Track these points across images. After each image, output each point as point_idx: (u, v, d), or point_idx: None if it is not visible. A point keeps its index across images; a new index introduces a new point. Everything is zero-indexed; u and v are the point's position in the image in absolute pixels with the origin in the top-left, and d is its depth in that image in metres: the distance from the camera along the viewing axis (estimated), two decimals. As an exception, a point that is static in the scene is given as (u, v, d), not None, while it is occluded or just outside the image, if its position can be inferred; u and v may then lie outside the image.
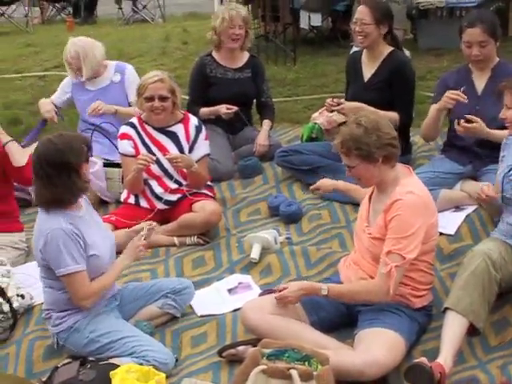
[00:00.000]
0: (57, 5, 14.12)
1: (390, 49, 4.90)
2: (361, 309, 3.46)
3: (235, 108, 5.43)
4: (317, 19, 8.34)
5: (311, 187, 4.27)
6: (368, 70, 4.95)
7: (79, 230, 3.43)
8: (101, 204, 5.22)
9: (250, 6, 9.12)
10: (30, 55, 9.33)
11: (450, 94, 4.28)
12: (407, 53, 7.67)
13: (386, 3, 5.27)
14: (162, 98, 4.59)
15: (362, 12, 4.83)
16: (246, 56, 5.69)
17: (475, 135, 4.29)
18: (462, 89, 4.28)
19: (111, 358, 3.40)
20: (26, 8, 12.68)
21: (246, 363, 3.05)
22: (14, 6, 13.03)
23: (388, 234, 3.30)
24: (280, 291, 3.45)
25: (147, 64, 8.51)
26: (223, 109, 5.43)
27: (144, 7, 13.38)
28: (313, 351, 3.04)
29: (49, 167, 3.38)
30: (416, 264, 3.37)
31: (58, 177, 3.39)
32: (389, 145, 3.33)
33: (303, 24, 8.47)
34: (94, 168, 5.16)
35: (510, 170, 3.66)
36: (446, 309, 3.32)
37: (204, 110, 5.51)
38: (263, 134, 5.56)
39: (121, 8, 13.19)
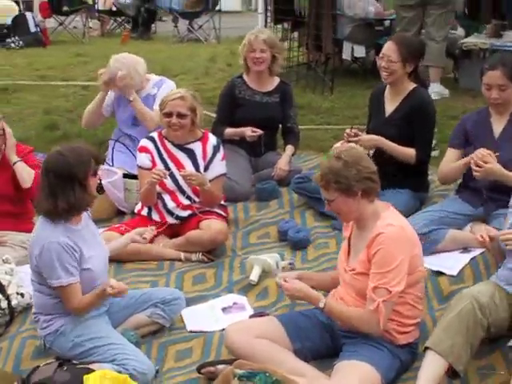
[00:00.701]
0: (118, 18, 14.47)
1: (413, 85, 4.87)
2: (345, 341, 3.44)
3: (260, 131, 5.49)
4: (360, 51, 8.35)
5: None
6: (390, 105, 4.94)
7: (76, 244, 3.50)
8: (117, 214, 5.32)
9: (296, 33, 9.24)
10: (79, 65, 9.57)
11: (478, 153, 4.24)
12: (445, 91, 7.74)
13: (416, 40, 5.24)
14: (181, 115, 4.67)
15: (389, 48, 4.79)
16: (276, 81, 5.76)
17: (491, 176, 4.23)
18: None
19: (93, 362, 3.45)
20: (84, 19, 13.00)
21: (217, 381, 3.08)
22: (75, 17, 13.37)
23: (372, 269, 3.29)
24: (285, 280, 3.47)
25: (188, 82, 8.63)
26: (248, 131, 5.50)
27: (200, 27, 13.61)
28: (284, 377, 3.05)
29: (55, 179, 3.45)
30: (402, 297, 3.34)
31: (62, 190, 3.45)
32: (368, 179, 3.33)
33: (345, 55, 8.49)
34: (114, 178, 5.28)
35: None
36: (426, 348, 3.28)
37: (229, 131, 5.58)
38: (284, 159, 5.60)
39: (176, 26, 13.44)
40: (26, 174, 4.57)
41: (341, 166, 3.30)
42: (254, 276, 4.28)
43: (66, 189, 3.44)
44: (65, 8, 12.81)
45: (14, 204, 4.66)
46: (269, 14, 8.92)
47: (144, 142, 4.87)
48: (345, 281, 3.49)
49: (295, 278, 3.59)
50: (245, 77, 5.73)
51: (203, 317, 4.00)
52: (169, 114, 4.69)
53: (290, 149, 5.70)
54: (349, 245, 3.54)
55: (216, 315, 4.02)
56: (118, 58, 5.65)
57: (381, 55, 4.90)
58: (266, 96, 5.68)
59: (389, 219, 3.34)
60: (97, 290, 3.52)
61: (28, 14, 12.20)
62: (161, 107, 4.77)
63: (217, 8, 13.63)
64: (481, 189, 4.43)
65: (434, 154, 5.77)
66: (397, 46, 4.77)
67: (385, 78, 4.85)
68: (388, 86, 4.95)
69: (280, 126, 5.81)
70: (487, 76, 4.34)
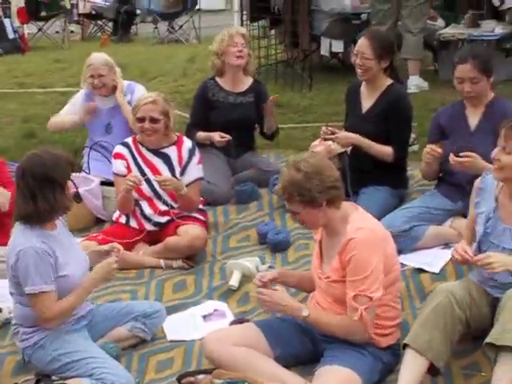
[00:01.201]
0: (99, 22, 14.37)
1: (390, 81, 4.83)
2: (326, 346, 3.40)
3: (228, 137, 5.41)
4: (338, 46, 8.27)
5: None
6: (366, 102, 4.89)
7: (52, 249, 3.43)
8: (96, 222, 5.27)
9: (274, 31, 9.18)
10: (57, 71, 9.50)
11: (428, 149, 4.27)
12: (424, 84, 7.70)
13: (389, 34, 5.19)
14: (153, 120, 4.62)
15: (362, 45, 4.73)
16: (249, 81, 5.69)
17: (471, 170, 4.19)
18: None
19: (72, 377, 3.40)
20: (62, 24, 12.90)
21: (196, 392, 3.04)
22: (54, 22, 13.24)
23: (348, 276, 3.23)
24: (263, 283, 3.41)
25: (167, 85, 8.60)
26: (216, 136, 5.42)
27: (180, 27, 13.53)
28: (263, 385, 3.01)
29: (33, 181, 3.39)
30: (380, 298, 3.26)
31: (42, 192, 3.39)
32: (332, 188, 3.24)
33: (323, 51, 8.42)
34: (91, 186, 5.23)
35: (487, 222, 3.49)
36: (405, 346, 3.24)
37: (200, 135, 5.49)
38: None
39: (156, 27, 13.36)
40: (2, 198, 4.49)
41: (301, 178, 3.21)
42: (234, 281, 4.23)
43: (46, 191, 3.39)
44: (43, 13, 12.71)
45: None
46: (245, 12, 8.85)
47: (118, 149, 4.82)
48: (320, 287, 3.44)
49: (275, 277, 3.54)
50: (217, 78, 5.65)
51: (184, 325, 3.95)
52: (141, 119, 4.64)
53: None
54: (320, 249, 3.48)
55: (196, 323, 3.97)
56: (100, 55, 5.66)
57: (355, 52, 4.86)
58: (239, 96, 5.61)
59: (357, 222, 3.28)
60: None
61: (6, 21, 12.09)
62: (134, 112, 4.71)
63: (196, 7, 13.56)
64: (460, 183, 4.40)
65: (413, 148, 5.77)
66: (370, 41, 4.71)
67: (360, 75, 4.81)
68: (364, 82, 4.91)
69: (257, 125, 5.74)
70: (458, 70, 4.30)
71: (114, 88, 5.61)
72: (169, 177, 4.63)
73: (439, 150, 4.27)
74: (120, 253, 3.70)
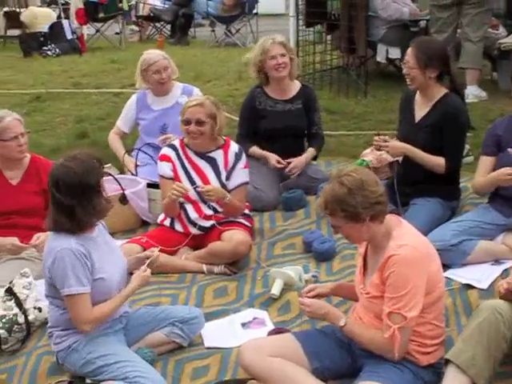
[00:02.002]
0: (157, 24, 14.45)
1: (444, 91, 4.66)
2: (365, 361, 3.29)
3: (284, 163, 5.36)
4: (395, 52, 8.12)
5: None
6: (420, 111, 4.75)
7: (88, 252, 3.40)
8: (142, 224, 5.24)
9: (331, 36, 9.07)
10: (112, 72, 9.56)
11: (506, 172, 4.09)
12: (483, 93, 7.50)
13: (438, 44, 4.99)
14: (199, 123, 4.56)
15: (408, 54, 4.61)
16: (297, 86, 5.58)
17: None
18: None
19: (105, 380, 3.37)
20: (120, 25, 13.01)
21: (228, 403, 2.96)
22: (111, 24, 13.37)
23: (386, 293, 3.13)
24: (307, 293, 3.41)
25: (221, 88, 8.56)
26: (273, 160, 5.37)
27: (237, 31, 13.51)
28: (296, 399, 2.91)
29: (68, 193, 3.33)
30: (423, 317, 3.17)
31: (79, 203, 3.34)
32: (376, 203, 3.12)
33: (380, 57, 8.29)
34: (137, 188, 5.21)
35: None
36: (447, 361, 3.11)
37: (255, 151, 5.44)
38: (302, 158, 5.45)
39: (213, 31, 13.36)
40: None
41: (345, 194, 3.10)
42: (276, 290, 4.15)
43: (83, 200, 3.35)
44: (101, 15, 12.83)
45: (42, 218, 4.59)
46: (301, 16, 8.76)
47: (165, 151, 4.78)
48: (362, 302, 3.34)
49: (324, 293, 3.51)
50: (264, 86, 5.54)
51: (222, 332, 3.88)
52: (187, 122, 4.59)
53: (309, 151, 5.54)
54: (364, 262, 3.37)
55: (235, 331, 3.90)
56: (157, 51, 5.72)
57: (404, 61, 4.74)
58: (288, 104, 5.51)
59: (400, 238, 3.16)
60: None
61: (64, 22, 12.24)
62: (181, 114, 4.67)
63: (254, 11, 13.52)
64: (514, 198, 4.25)
65: (468, 160, 5.62)
66: (414, 51, 4.58)
67: (408, 84, 4.69)
68: (417, 90, 4.78)
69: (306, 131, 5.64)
70: None
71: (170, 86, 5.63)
72: (212, 186, 4.56)
73: None
74: (156, 256, 3.65)
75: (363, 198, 3.10)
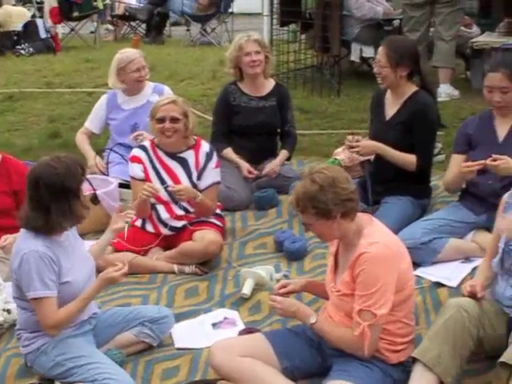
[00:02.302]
0: (132, 23, 14.38)
1: (414, 89, 4.69)
2: (335, 360, 3.29)
3: (256, 174, 5.38)
4: (369, 51, 8.13)
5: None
6: (390, 109, 4.77)
7: (56, 255, 3.37)
8: (113, 225, 5.20)
9: (305, 35, 9.08)
10: (86, 71, 9.50)
11: (467, 165, 4.13)
12: (455, 92, 7.54)
13: (408, 42, 5.03)
14: (174, 120, 4.54)
15: (379, 53, 4.64)
16: (271, 84, 5.59)
17: (506, 172, 4.04)
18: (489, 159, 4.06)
19: (75, 382, 3.34)
20: (95, 24, 12.93)
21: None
22: (85, 23, 13.28)
23: (356, 291, 3.13)
24: (279, 290, 3.41)
25: (195, 87, 8.55)
26: (245, 170, 5.37)
27: (213, 30, 13.48)
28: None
29: (48, 193, 3.31)
30: (393, 315, 3.18)
31: (57, 204, 3.32)
32: (346, 200, 3.14)
33: (354, 57, 8.31)
34: (109, 188, 5.17)
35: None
36: (415, 359, 3.12)
37: (228, 155, 5.42)
38: (277, 161, 5.45)
39: (189, 30, 13.32)
40: None
41: (317, 191, 3.11)
42: (247, 289, 4.14)
43: (61, 202, 3.33)
44: (75, 13, 12.73)
45: (12, 218, 4.54)
46: (275, 16, 8.76)
47: (136, 152, 4.76)
48: (333, 300, 3.34)
49: (295, 290, 3.52)
50: (238, 83, 5.56)
51: (192, 333, 3.87)
52: (162, 120, 4.56)
53: (283, 153, 5.54)
54: (335, 261, 3.38)
55: (205, 331, 3.89)
56: (124, 51, 5.65)
57: (375, 60, 4.76)
58: (262, 100, 5.51)
59: (371, 236, 3.16)
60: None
61: (39, 21, 12.13)
62: (152, 114, 4.64)
63: (229, 10, 13.50)
64: (484, 196, 4.27)
65: (439, 158, 5.65)
66: (385, 50, 4.60)
67: (379, 83, 4.71)
68: (388, 89, 4.79)
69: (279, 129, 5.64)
70: (488, 78, 4.17)
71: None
72: (183, 186, 4.54)
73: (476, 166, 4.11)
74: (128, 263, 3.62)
75: (334, 195, 3.10)
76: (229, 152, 5.44)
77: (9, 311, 3.95)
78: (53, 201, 3.32)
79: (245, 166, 5.37)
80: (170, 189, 4.52)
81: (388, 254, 3.13)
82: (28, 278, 3.32)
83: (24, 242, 3.38)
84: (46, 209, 3.33)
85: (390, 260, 3.13)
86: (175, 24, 14.79)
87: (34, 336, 3.48)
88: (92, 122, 5.81)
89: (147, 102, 5.59)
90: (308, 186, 3.14)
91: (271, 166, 5.41)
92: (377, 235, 3.19)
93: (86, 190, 4.87)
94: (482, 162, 4.02)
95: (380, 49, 4.63)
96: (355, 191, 3.20)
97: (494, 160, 3.98)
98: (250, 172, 5.37)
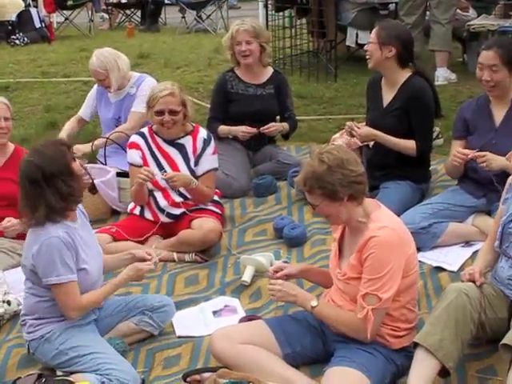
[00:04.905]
0: (127, 11, 14.30)
1: (408, 74, 4.68)
2: (337, 346, 3.29)
3: (254, 130, 5.32)
4: (365, 36, 8.07)
5: None
6: (387, 96, 4.75)
7: (73, 242, 3.38)
8: (112, 214, 5.19)
9: (301, 21, 9.03)
10: (81, 60, 9.40)
11: (456, 153, 4.16)
12: (452, 76, 7.51)
13: (401, 27, 5.07)
14: (173, 112, 4.53)
15: (372, 32, 4.69)
16: (269, 72, 5.56)
17: (493, 166, 4.05)
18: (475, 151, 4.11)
19: (77, 372, 3.34)
20: (90, 13, 12.86)
21: (199, 391, 2.95)
22: (80, 11, 13.20)
23: (364, 274, 3.12)
24: (275, 273, 3.42)
25: (191, 75, 8.49)
26: (240, 132, 5.32)
27: (208, 17, 13.42)
28: (266, 387, 2.91)
29: (32, 186, 3.34)
30: (398, 300, 3.17)
31: (45, 192, 3.33)
32: (354, 182, 3.10)
33: (350, 42, 8.25)
34: (107, 177, 5.15)
35: (511, 221, 3.35)
36: (416, 344, 3.11)
37: (223, 129, 5.41)
38: (277, 123, 5.46)
39: (184, 17, 13.25)
40: None
41: (325, 171, 3.07)
42: (247, 277, 4.13)
43: (50, 189, 3.32)
44: (69, 2, 12.64)
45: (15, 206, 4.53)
46: (270, 1, 8.71)
47: (134, 138, 4.74)
48: (338, 286, 3.32)
49: (292, 273, 3.50)
50: (236, 70, 5.54)
51: (193, 321, 3.87)
52: (161, 112, 4.54)
53: (285, 124, 5.51)
54: (339, 247, 3.36)
55: (206, 319, 3.89)
56: (102, 51, 5.55)
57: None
58: (259, 88, 5.48)
59: (380, 220, 3.14)
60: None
61: (33, 10, 12.04)
62: (150, 104, 4.60)
63: (225, -4, 13.44)
64: (483, 179, 4.25)
65: (438, 142, 5.62)
66: (377, 29, 4.66)
67: (368, 61, 4.73)
68: (383, 75, 4.78)
69: (278, 117, 5.62)
70: (481, 56, 4.23)
71: (125, 81, 5.56)
72: (176, 173, 4.53)
73: (468, 154, 4.13)
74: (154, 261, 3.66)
75: (342, 176, 3.07)
76: (223, 127, 5.41)
77: (9, 302, 3.94)
78: (44, 191, 3.33)
79: (239, 128, 5.33)
80: (162, 176, 4.50)
81: (396, 238, 3.11)
82: (50, 264, 3.32)
83: (43, 229, 3.37)
84: (40, 200, 3.33)
85: (399, 245, 3.11)
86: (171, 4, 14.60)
87: (39, 323, 3.47)
88: (84, 109, 5.85)
89: (127, 94, 5.58)
90: (316, 166, 3.10)
91: (271, 123, 5.39)
92: (385, 220, 3.17)
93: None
94: (470, 155, 4.11)
95: (374, 29, 4.66)
96: (364, 174, 3.17)
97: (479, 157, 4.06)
98: (246, 130, 5.31)
